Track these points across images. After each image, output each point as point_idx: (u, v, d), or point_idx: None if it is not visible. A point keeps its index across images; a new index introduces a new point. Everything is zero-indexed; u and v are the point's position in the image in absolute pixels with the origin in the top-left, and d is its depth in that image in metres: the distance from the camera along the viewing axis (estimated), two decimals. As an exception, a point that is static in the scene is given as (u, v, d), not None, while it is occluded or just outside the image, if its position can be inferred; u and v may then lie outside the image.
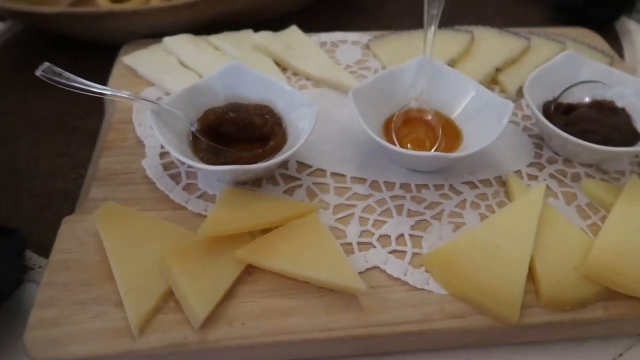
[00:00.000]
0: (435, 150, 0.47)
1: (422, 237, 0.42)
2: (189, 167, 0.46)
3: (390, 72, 0.50)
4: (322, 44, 0.63)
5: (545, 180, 0.47)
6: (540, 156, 0.50)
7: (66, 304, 0.37)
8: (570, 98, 0.52)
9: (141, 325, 0.35)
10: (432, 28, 0.51)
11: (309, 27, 0.64)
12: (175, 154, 0.41)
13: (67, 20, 0.58)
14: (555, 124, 0.48)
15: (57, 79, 0.42)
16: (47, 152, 0.53)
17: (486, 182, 0.47)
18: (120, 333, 0.35)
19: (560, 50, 0.61)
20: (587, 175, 0.48)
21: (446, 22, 0.66)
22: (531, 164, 0.49)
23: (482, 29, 0.63)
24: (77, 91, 0.42)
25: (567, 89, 0.51)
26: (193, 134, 0.46)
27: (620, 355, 0.40)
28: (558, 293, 0.38)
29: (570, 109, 0.50)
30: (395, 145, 0.47)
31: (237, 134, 0.47)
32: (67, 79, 0.42)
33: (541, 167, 0.49)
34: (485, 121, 0.47)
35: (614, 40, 0.73)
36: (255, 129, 0.47)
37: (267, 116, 0.47)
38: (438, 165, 0.47)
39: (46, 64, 0.42)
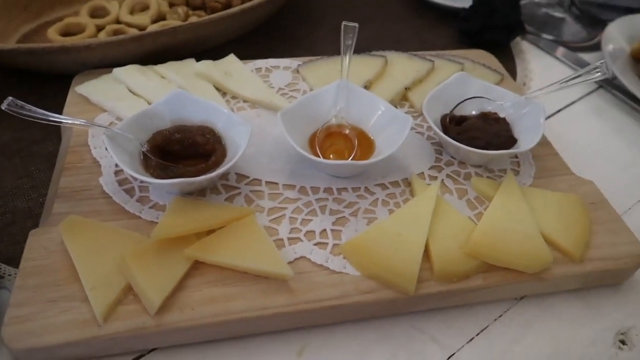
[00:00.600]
0: (351, 159, 0.57)
1: (341, 231, 0.51)
2: (142, 182, 0.53)
3: (313, 95, 0.59)
4: (258, 70, 0.71)
5: (442, 179, 0.58)
6: (440, 160, 0.60)
7: (38, 302, 0.43)
8: (463, 111, 0.62)
9: (105, 315, 0.42)
10: (348, 56, 0.61)
11: (246, 54, 0.72)
12: (129, 172, 0.48)
13: (21, 55, 0.64)
14: (449, 134, 0.59)
15: (20, 110, 0.48)
16: (8, 175, 0.59)
17: (395, 184, 0.57)
18: (87, 323, 0.42)
19: (459, 70, 0.72)
20: (476, 174, 0.59)
21: (367, 46, 0.77)
22: (432, 167, 0.59)
23: (394, 53, 0.73)
24: (39, 120, 0.49)
25: (459, 103, 0.62)
26: (144, 153, 0.53)
27: (500, 316, 0.50)
28: (447, 268, 0.47)
29: (462, 120, 0.61)
30: (318, 156, 0.56)
31: (183, 152, 0.55)
32: (30, 110, 0.49)
33: (440, 169, 0.59)
34: (392, 133, 0.57)
35: (510, 59, 0.85)
36: (198, 146, 0.54)
37: (208, 135, 0.55)
38: (354, 172, 0.56)
39: (10, 98, 0.48)
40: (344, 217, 0.53)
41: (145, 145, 0.53)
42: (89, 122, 0.52)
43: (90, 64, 0.68)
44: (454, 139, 0.58)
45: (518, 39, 0.90)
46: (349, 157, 0.57)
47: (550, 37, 0.92)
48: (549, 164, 0.61)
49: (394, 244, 0.49)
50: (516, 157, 0.61)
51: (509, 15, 0.81)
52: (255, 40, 0.83)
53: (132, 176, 0.53)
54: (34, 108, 0.49)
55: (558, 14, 0.96)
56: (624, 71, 0.77)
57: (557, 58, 0.87)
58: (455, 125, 0.60)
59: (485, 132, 0.58)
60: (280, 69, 0.72)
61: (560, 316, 0.50)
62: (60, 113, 0.61)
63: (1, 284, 0.49)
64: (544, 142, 0.64)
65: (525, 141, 0.58)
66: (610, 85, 0.80)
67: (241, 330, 0.45)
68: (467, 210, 0.55)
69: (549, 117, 0.74)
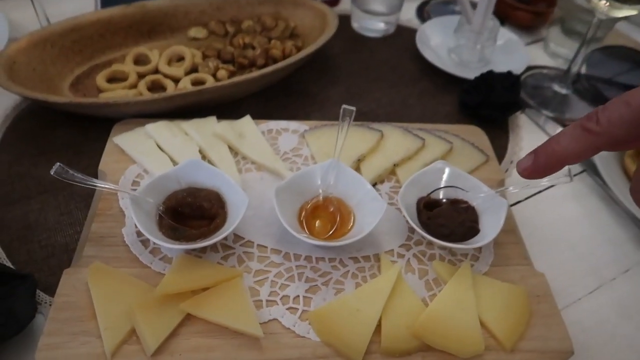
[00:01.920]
0: (332, 233, 0.66)
1: (311, 298, 0.61)
2: (156, 235, 0.65)
3: (306, 171, 0.69)
4: (269, 131, 0.82)
5: (409, 258, 0.67)
6: (411, 239, 0.69)
7: (64, 334, 0.55)
8: (439, 195, 0.71)
9: (112, 352, 0.54)
10: (342, 137, 0.70)
11: (262, 110, 0.83)
12: (145, 233, 0.60)
13: (72, 107, 0.77)
14: (420, 217, 0.68)
15: (64, 175, 0.60)
16: (53, 210, 0.71)
17: (367, 258, 0.66)
18: (99, 357, 0.54)
19: (447, 150, 0.80)
20: (440, 256, 0.68)
21: (374, 109, 0.86)
22: (402, 245, 0.68)
23: (390, 127, 0.82)
24: (78, 184, 0.61)
25: (433, 191, 0.70)
26: (159, 214, 0.64)
27: (436, 387, 0.59)
28: (392, 345, 0.57)
29: (435, 204, 0.70)
30: (304, 228, 0.66)
31: (192, 213, 0.66)
32: (72, 175, 0.61)
33: (408, 248, 0.68)
34: (370, 212, 0.66)
35: (504, 134, 0.92)
36: (204, 210, 0.66)
37: (213, 201, 0.66)
38: (328, 250, 0.66)
39: (58, 164, 0.61)
40: (317, 285, 0.63)
41: (162, 207, 0.65)
42: (115, 187, 0.63)
43: (129, 114, 0.80)
44: (423, 223, 0.67)
45: (518, 113, 0.97)
46: (330, 231, 0.67)
47: (551, 114, 0.98)
48: (508, 252, 0.69)
49: (351, 318, 0.58)
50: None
51: (505, 95, 0.88)
52: (273, 95, 0.93)
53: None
54: (76, 173, 0.61)
55: (563, 89, 1.02)
56: (608, 161, 0.84)
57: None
58: (427, 210, 0.69)
59: (451, 220, 0.67)
60: (289, 132, 0.82)
61: (488, 394, 0.59)
62: (100, 157, 0.74)
63: (38, 310, 0.61)
64: (509, 230, 0.72)
65: (486, 234, 0.66)
66: (592, 170, 0.86)
67: (217, 376, 0.57)
68: (423, 290, 0.64)
69: (528, 197, 0.82)
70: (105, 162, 0.74)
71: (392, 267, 0.63)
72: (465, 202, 0.71)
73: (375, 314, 0.59)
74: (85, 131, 0.82)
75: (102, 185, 0.63)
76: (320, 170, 0.70)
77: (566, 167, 0.66)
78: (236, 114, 0.82)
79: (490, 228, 0.66)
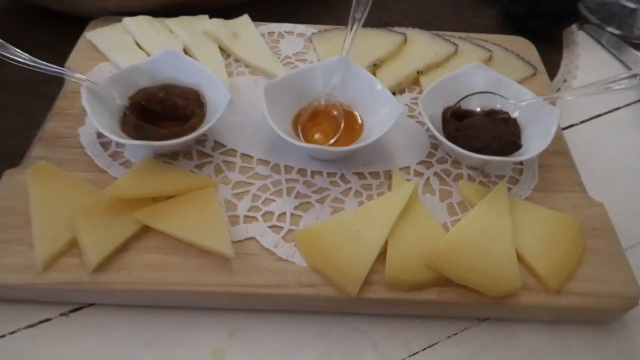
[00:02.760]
0: (334, 142, 0.53)
1: (301, 216, 0.49)
2: (119, 137, 0.53)
3: (306, 69, 0.56)
4: (270, 34, 0.69)
5: (428, 177, 0.53)
6: (433, 156, 0.55)
7: (-6, 240, 0.45)
8: (471, 105, 0.57)
9: (46, 265, 0.43)
10: (353, 30, 0.56)
11: (268, 16, 0.70)
12: (98, 127, 0.48)
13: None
14: (446, 129, 0.54)
15: (9, 55, 0.49)
16: (9, 112, 0.61)
17: (375, 175, 0.53)
18: (29, 269, 0.43)
19: (486, 58, 0.66)
20: (469, 177, 0.54)
21: (400, 20, 0.72)
22: (421, 162, 0.55)
23: (417, 32, 0.67)
24: (29, 67, 0.50)
25: (464, 97, 0.56)
26: (124, 111, 0.53)
27: (455, 334, 0.46)
28: (399, 275, 0.44)
29: (466, 115, 0.55)
30: (299, 135, 0.53)
31: (164, 113, 0.54)
32: (9, 50, 0.49)
33: (429, 166, 0.54)
34: (383, 118, 0.53)
35: (558, 52, 0.76)
36: (178, 109, 0.54)
37: (190, 99, 0.54)
38: (328, 157, 0.53)
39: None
40: (309, 202, 0.50)
41: (126, 102, 0.53)
42: (61, 70, 0.52)
43: (108, 9, 0.68)
44: (449, 136, 0.53)
45: (574, 28, 0.80)
46: (331, 140, 0.54)
47: (616, 31, 0.81)
48: (557, 176, 0.54)
49: (349, 240, 0.46)
50: (521, 164, 0.55)
51: (558, 2, 0.72)
52: (282, 1, 0.79)
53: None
54: (18, 52, 0.50)
55: (631, 3, 0.84)
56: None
57: (617, 57, 0.77)
58: (456, 120, 0.55)
59: (486, 132, 0.53)
60: (294, 36, 0.69)
61: (523, 346, 0.46)
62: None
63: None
64: (560, 152, 0.57)
65: (531, 149, 0.52)
66: (668, 93, 0.70)
67: (175, 302, 0.45)
68: (445, 215, 0.50)
69: (580, 122, 0.66)
70: (74, 59, 0.63)
71: (404, 185, 0.50)
72: (505, 113, 0.56)
73: (379, 236, 0.46)
74: (63, 32, 0.71)
75: (47, 67, 0.51)
76: (323, 69, 0.56)
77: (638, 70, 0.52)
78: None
79: (537, 141, 0.52)
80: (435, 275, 0.44)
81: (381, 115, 0.53)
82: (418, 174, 0.54)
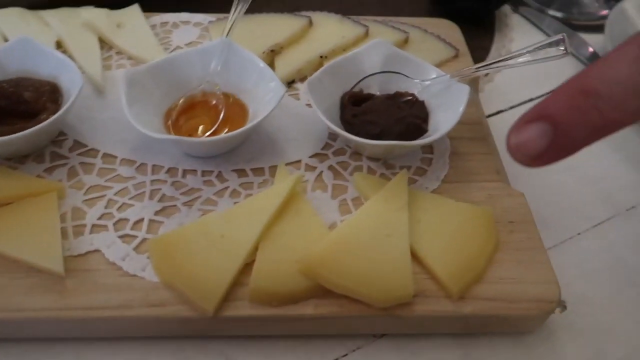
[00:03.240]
0: (211, 134, 0.46)
1: (162, 222, 0.41)
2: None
3: (177, 56, 0.49)
4: (163, 24, 0.61)
5: (322, 172, 0.46)
6: (331, 147, 0.48)
7: None
8: (375, 89, 0.50)
9: None
10: (238, 9, 0.49)
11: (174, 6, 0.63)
12: None
13: None
14: (344, 115, 0.47)
15: None
16: None
17: (259, 171, 0.45)
18: None
19: (402, 40, 0.59)
20: (370, 169, 0.46)
21: (321, 6, 0.65)
22: (316, 155, 0.47)
23: (325, 14, 0.61)
24: None
25: (363, 79, 0.49)
26: (-39, 107, 0.45)
27: (344, 355, 0.38)
28: (267, 285, 0.36)
29: (367, 99, 0.48)
30: (170, 129, 0.46)
31: (12, 107, 0.46)
32: None
33: (324, 159, 0.47)
34: (267, 101, 0.46)
35: (489, 36, 0.70)
36: (26, 104, 0.46)
37: (41, 92, 0.46)
38: (202, 150, 0.45)
39: None
40: (175, 206, 0.42)
41: (-34, 97, 0.45)
42: None
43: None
44: (346, 122, 0.46)
45: (508, 11, 0.74)
46: (207, 132, 0.46)
47: (558, 13, 0.75)
48: (474, 165, 0.47)
49: (211, 248, 0.38)
50: (431, 153, 0.48)
51: (488, -21, 0.66)
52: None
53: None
54: None
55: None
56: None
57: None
58: (354, 105, 0.47)
59: (386, 116, 0.45)
60: (191, 25, 0.62)
61: (426, 367, 0.38)
62: None
63: None
64: (479, 138, 0.50)
65: (440, 133, 0.44)
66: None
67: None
68: (336, 213, 0.43)
69: (510, 108, 0.59)
70: None
71: (283, 181, 0.42)
72: (411, 95, 0.49)
73: (247, 241, 0.38)
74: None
75: None
76: (200, 54, 0.49)
77: (561, 35, 0.45)
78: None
79: (445, 125, 0.45)
80: (312, 284, 0.36)
81: (266, 97, 0.46)
82: (310, 168, 0.46)
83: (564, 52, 0.43)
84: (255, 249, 0.38)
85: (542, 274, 0.39)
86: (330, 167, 0.46)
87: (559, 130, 0.23)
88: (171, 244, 0.38)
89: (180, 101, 0.48)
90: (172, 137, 0.43)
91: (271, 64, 0.55)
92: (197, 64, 0.49)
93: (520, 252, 0.40)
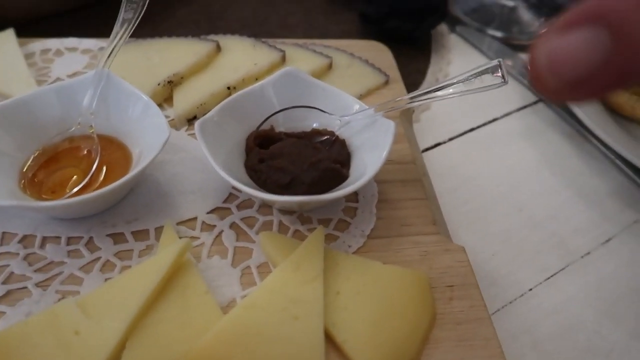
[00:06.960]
0: (79, 190, 0.37)
1: (4, 313, 0.31)
2: None
3: (37, 94, 0.39)
4: (44, 52, 0.52)
5: (222, 231, 0.37)
6: (235, 199, 0.39)
7: None
8: (287, 126, 0.42)
9: None
10: (120, 35, 0.41)
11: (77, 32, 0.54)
12: None
13: None
14: (249, 159, 0.39)
15: None
16: None
17: (142, 234, 0.36)
18: None
19: (324, 66, 0.52)
20: (281, 225, 0.38)
21: (239, 29, 0.58)
22: (215, 209, 0.38)
23: (237, 38, 0.53)
24: None
25: (269, 117, 0.41)
26: None
27: None
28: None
29: (276, 139, 0.40)
30: (26, 189, 0.36)
31: None
32: None
33: (226, 214, 0.38)
34: (151, 144, 0.37)
35: (426, 58, 0.64)
36: None
37: None
38: (66, 213, 0.36)
39: None
40: (25, 288, 0.33)
41: None
42: None
43: None
44: (251, 170, 0.38)
45: (445, 31, 0.68)
46: (78, 186, 0.37)
47: (497, 33, 0.70)
48: (405, 214, 0.40)
49: (59, 350, 0.28)
50: (356, 199, 0.40)
51: (421, -2, 0.60)
52: (96, 16, 0.63)
53: None
54: None
55: (510, 1, 0.74)
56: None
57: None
58: (261, 147, 0.39)
59: (299, 161, 0.37)
60: (78, 52, 0.52)
61: None
62: None
63: None
64: (412, 181, 0.42)
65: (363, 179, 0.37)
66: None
67: None
68: (236, 287, 0.34)
69: (449, 140, 0.53)
70: None
71: (169, 248, 0.33)
72: (330, 133, 0.41)
73: (109, 338, 0.29)
74: None
75: None
76: (69, 90, 0.40)
77: (497, 60, 0.39)
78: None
79: (370, 168, 0.37)
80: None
81: (149, 138, 0.37)
82: (208, 227, 0.37)
83: (502, 81, 0.37)
84: (122, 347, 0.29)
85: (487, 353, 0.32)
86: (233, 225, 0.37)
87: (624, 39, 0.15)
88: (10, 346, 0.29)
89: (36, 153, 0.38)
90: (10, 202, 0.33)
91: (169, 98, 0.47)
92: (57, 105, 0.39)
93: (462, 326, 0.33)
